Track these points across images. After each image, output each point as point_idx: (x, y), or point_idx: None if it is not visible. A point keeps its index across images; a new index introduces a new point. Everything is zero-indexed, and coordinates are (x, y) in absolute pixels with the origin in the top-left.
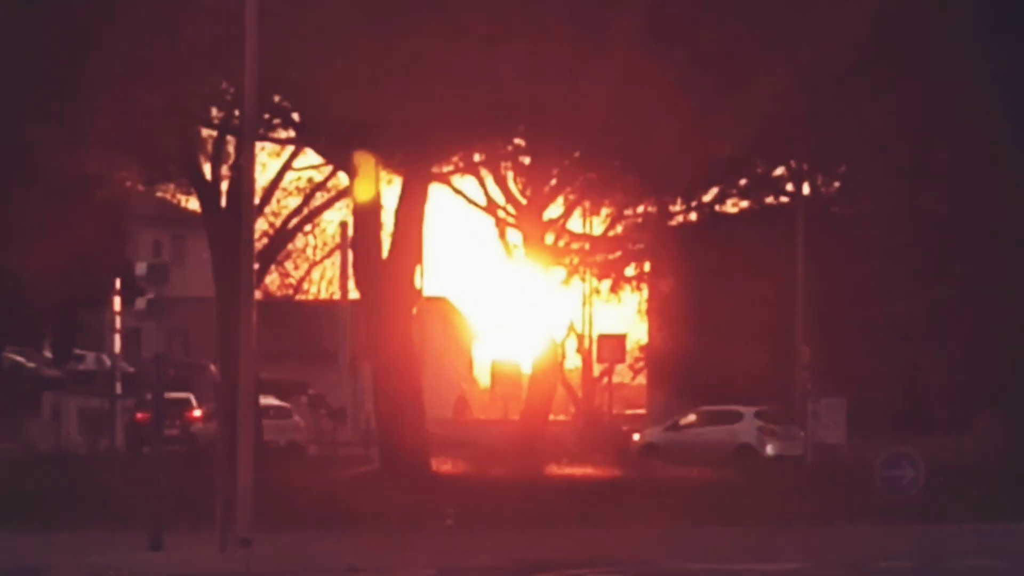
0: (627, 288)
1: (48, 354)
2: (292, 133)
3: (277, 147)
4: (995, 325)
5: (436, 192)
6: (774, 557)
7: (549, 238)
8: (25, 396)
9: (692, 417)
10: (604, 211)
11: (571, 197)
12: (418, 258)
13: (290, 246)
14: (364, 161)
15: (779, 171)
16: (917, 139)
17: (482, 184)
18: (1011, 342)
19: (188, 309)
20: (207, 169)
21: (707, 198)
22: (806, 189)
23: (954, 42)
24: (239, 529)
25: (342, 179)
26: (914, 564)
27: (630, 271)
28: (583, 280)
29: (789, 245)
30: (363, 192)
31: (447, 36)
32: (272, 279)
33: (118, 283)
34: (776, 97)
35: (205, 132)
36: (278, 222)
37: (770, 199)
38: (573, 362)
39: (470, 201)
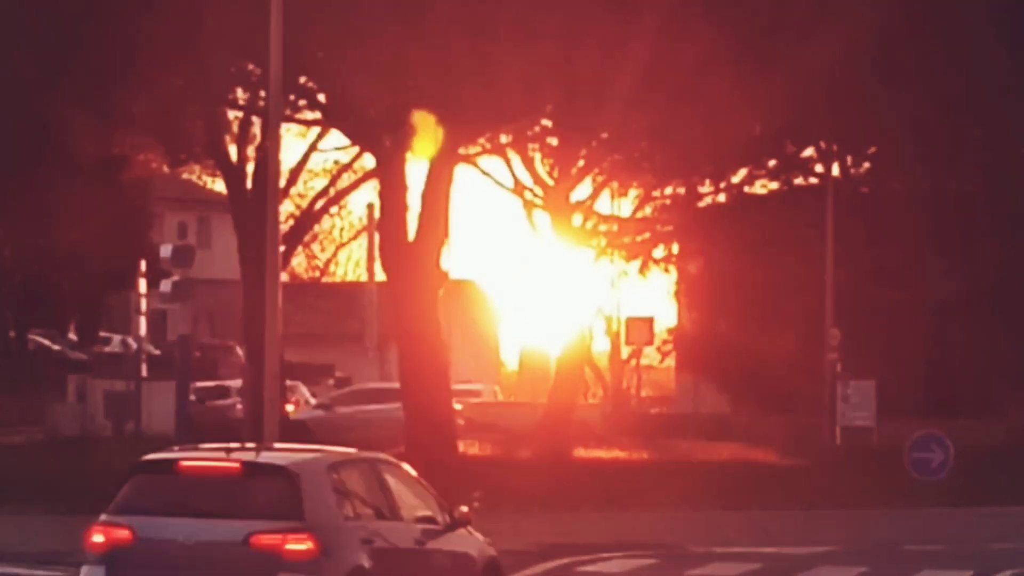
0: (655, 270)
1: (73, 337)
2: (318, 114)
3: (303, 128)
4: None
5: (463, 173)
6: (803, 541)
7: (576, 220)
8: (50, 379)
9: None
10: (632, 192)
11: (599, 178)
12: (444, 240)
13: (316, 228)
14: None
15: (808, 152)
16: (947, 119)
17: (509, 165)
18: None
19: (214, 291)
20: (233, 151)
21: (736, 179)
22: (836, 170)
23: (985, 21)
24: None
25: (368, 160)
26: (944, 547)
27: (658, 253)
28: (611, 262)
29: (818, 226)
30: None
31: (474, 17)
32: (299, 261)
33: (143, 265)
34: (806, 77)
35: (231, 114)
36: (304, 204)
37: (799, 180)
38: (601, 345)
39: (497, 182)
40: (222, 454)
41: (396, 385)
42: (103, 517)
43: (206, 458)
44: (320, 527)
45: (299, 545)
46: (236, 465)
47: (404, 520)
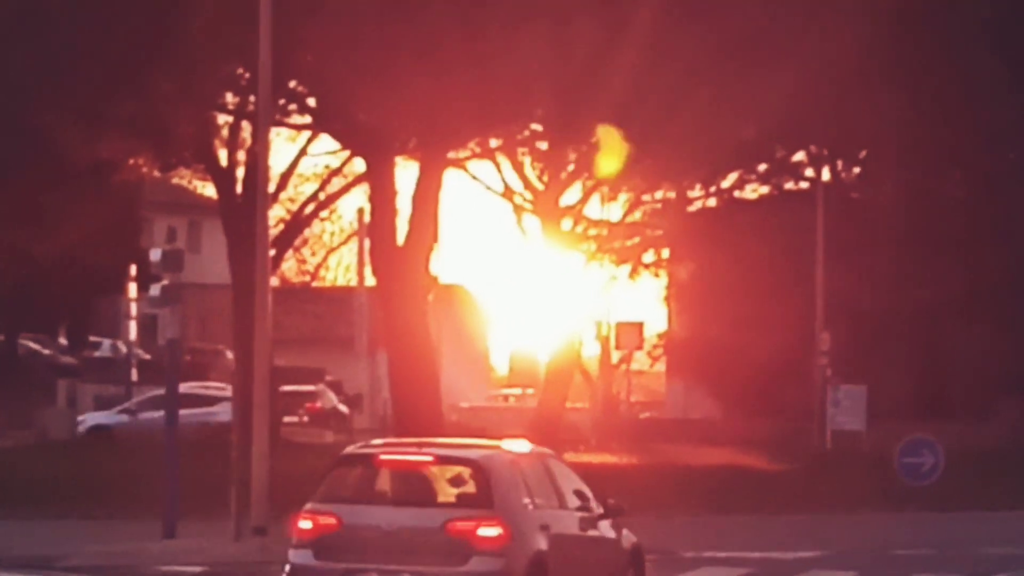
0: (645, 274)
1: (63, 341)
2: (308, 119)
3: (293, 133)
4: (1016, 311)
5: (453, 178)
6: (793, 545)
7: (566, 224)
8: (40, 383)
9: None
10: (622, 196)
11: (589, 182)
12: (434, 244)
13: (307, 232)
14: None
15: (799, 156)
16: (937, 124)
17: (499, 170)
18: None
19: (204, 296)
20: (223, 155)
21: (726, 183)
22: (826, 175)
23: (974, 27)
24: (254, 518)
25: (358, 165)
26: (934, 551)
27: (648, 257)
28: (601, 266)
29: (809, 231)
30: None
31: (464, 20)
32: (289, 266)
33: (133, 270)
34: (796, 82)
35: (221, 118)
36: (294, 208)
37: (790, 184)
38: (591, 349)
39: (487, 187)
40: (415, 448)
41: (209, 389)
42: (309, 505)
43: (402, 452)
44: (507, 515)
45: (490, 531)
46: (430, 459)
47: (568, 508)
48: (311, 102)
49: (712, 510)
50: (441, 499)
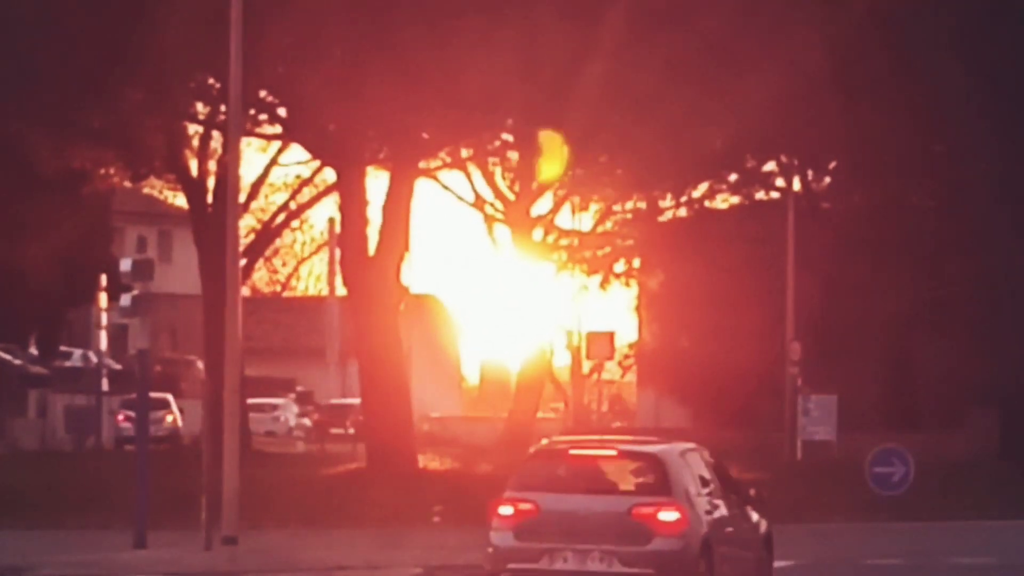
0: (616, 284)
1: (34, 351)
2: (278, 128)
3: (264, 143)
4: (986, 321)
5: (423, 187)
6: None
7: (537, 234)
8: (11, 393)
9: None
10: (593, 206)
11: (560, 192)
12: (405, 254)
13: (277, 242)
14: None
15: (769, 166)
16: (907, 134)
17: (470, 179)
18: (1002, 338)
19: (175, 306)
20: (193, 165)
21: (697, 193)
22: (796, 184)
23: (944, 38)
24: (225, 527)
25: (329, 174)
26: (904, 562)
27: (619, 267)
28: (572, 276)
29: (779, 241)
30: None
31: (434, 30)
32: (260, 275)
33: (104, 279)
34: (766, 92)
35: (191, 128)
36: (265, 218)
37: (760, 194)
38: (562, 359)
39: (458, 197)
40: (600, 444)
41: None
42: (508, 493)
43: (589, 446)
44: (683, 501)
45: (670, 515)
46: (615, 452)
47: (722, 496)
48: (281, 112)
49: None
50: (625, 488)
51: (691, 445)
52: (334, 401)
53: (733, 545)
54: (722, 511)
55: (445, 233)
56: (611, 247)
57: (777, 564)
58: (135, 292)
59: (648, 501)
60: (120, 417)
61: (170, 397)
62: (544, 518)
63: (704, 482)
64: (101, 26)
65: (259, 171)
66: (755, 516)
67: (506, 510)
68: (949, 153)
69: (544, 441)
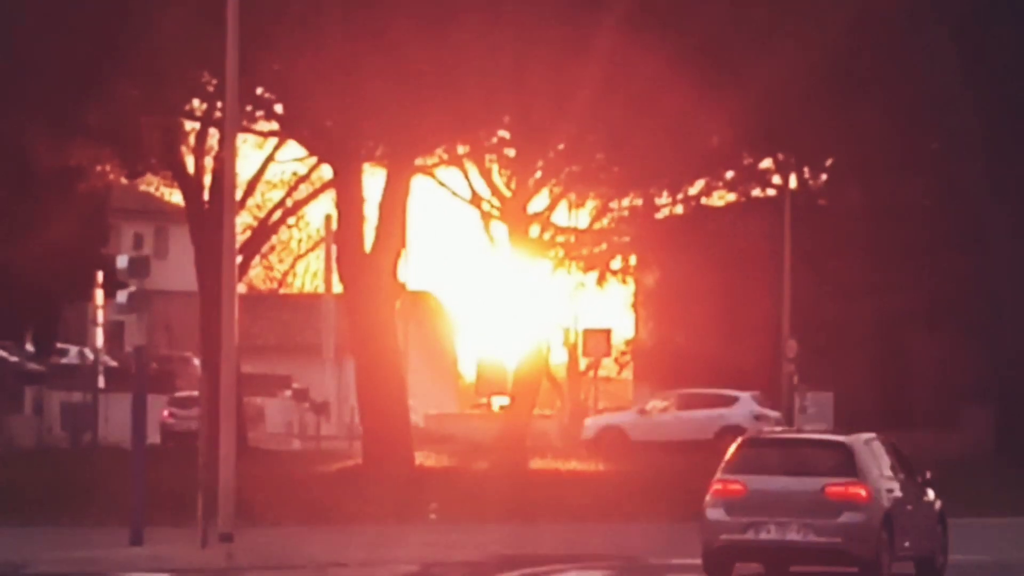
0: (613, 281)
1: (30, 347)
2: (275, 125)
3: (260, 139)
4: (982, 318)
5: (420, 184)
6: None
7: (534, 231)
8: (7, 390)
9: None
10: (590, 203)
11: (556, 189)
12: (401, 251)
13: (274, 239)
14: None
15: (766, 163)
16: (904, 132)
17: (466, 176)
18: (998, 335)
19: (171, 303)
20: (189, 162)
21: (693, 191)
22: (793, 182)
23: (940, 36)
24: (221, 524)
25: (325, 171)
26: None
27: (616, 264)
28: (568, 273)
29: (776, 238)
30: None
31: (431, 27)
32: (256, 272)
33: (100, 276)
34: (763, 90)
35: (187, 124)
36: (262, 215)
37: (757, 192)
38: (559, 356)
39: (454, 193)
40: (796, 433)
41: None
42: (719, 475)
43: (788, 437)
44: (868, 481)
45: (856, 493)
46: (810, 441)
47: (902, 478)
48: (278, 109)
49: (679, 517)
50: (818, 470)
51: (874, 435)
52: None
53: (911, 519)
54: (901, 490)
55: (442, 230)
56: (607, 244)
57: None
58: (131, 289)
59: (838, 481)
60: (165, 414)
61: None
62: (750, 496)
63: (886, 465)
64: (97, 22)
65: (255, 168)
66: (931, 495)
67: (718, 488)
68: (944, 151)
69: (751, 434)
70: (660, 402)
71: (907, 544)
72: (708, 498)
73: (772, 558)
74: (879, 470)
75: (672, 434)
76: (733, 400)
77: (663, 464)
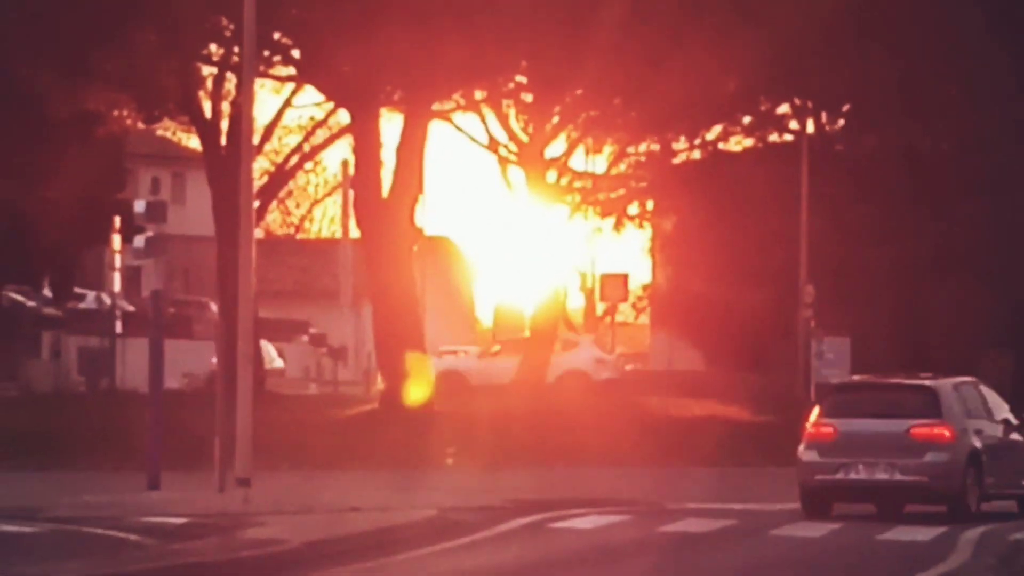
0: (630, 226)
1: (48, 293)
2: (292, 70)
3: (277, 84)
4: (1000, 264)
5: (437, 130)
6: (777, 497)
7: (551, 176)
8: (24, 336)
9: None
10: (607, 148)
11: (573, 135)
12: (419, 196)
13: (291, 184)
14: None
15: (783, 108)
16: (922, 76)
17: (483, 122)
18: (1016, 282)
19: (188, 247)
20: (207, 107)
21: (711, 136)
22: (810, 127)
23: None
24: (238, 469)
25: (343, 116)
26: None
27: (633, 209)
28: (586, 218)
29: (793, 184)
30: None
31: None
32: (273, 217)
33: (117, 221)
34: (781, 34)
35: (205, 69)
36: (279, 160)
37: (774, 137)
38: (576, 301)
39: (471, 139)
40: (882, 379)
41: None
42: (813, 419)
43: (876, 381)
44: (952, 422)
45: (940, 434)
46: (897, 385)
47: (994, 420)
48: (296, 54)
49: (696, 462)
50: (905, 413)
51: (967, 379)
52: None
53: (1002, 459)
54: (990, 432)
55: (459, 175)
56: (625, 189)
57: (789, 506)
58: (149, 234)
59: (923, 423)
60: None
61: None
62: (841, 439)
63: (974, 408)
64: None
65: (273, 113)
66: (1020, 437)
67: (812, 430)
68: (963, 96)
69: (842, 381)
70: (499, 347)
71: (997, 482)
72: (803, 441)
73: (861, 497)
74: (966, 412)
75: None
76: (573, 344)
77: (680, 410)
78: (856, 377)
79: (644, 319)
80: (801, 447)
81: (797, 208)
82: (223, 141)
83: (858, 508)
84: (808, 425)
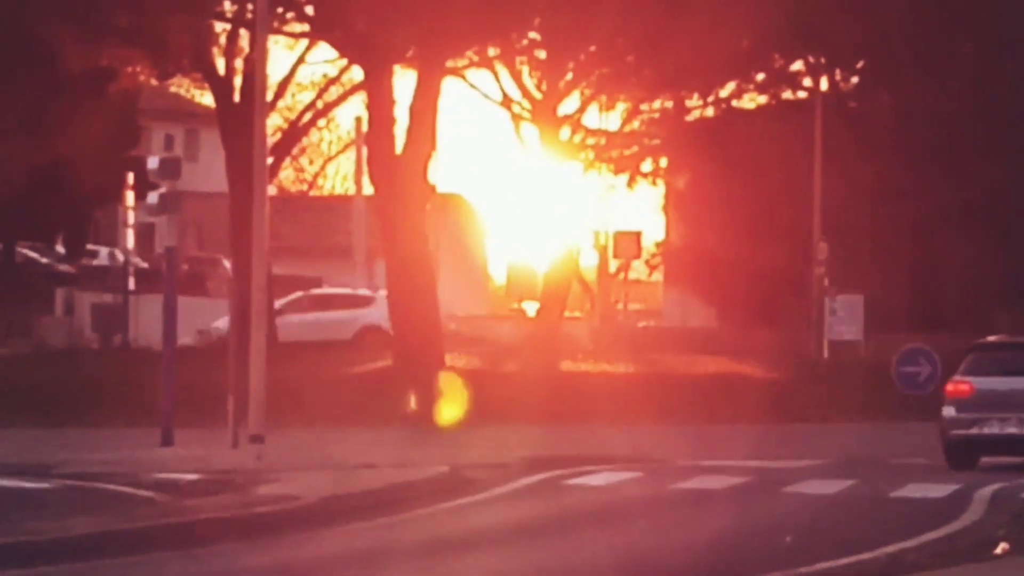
0: (643, 184)
1: (61, 249)
2: (306, 26)
3: (291, 41)
4: (1014, 222)
5: (451, 87)
6: (790, 454)
7: (564, 133)
8: (38, 292)
9: None
10: (620, 106)
11: (587, 92)
12: (432, 153)
13: (304, 141)
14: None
15: (797, 66)
16: (937, 33)
17: (497, 78)
18: None
19: (201, 204)
20: (220, 63)
21: (724, 93)
22: (824, 84)
23: None
24: (251, 426)
25: (356, 73)
26: (930, 461)
27: (646, 167)
28: (599, 176)
29: (806, 141)
30: (449, 414)
31: None
32: (287, 174)
33: (131, 178)
34: None
35: (218, 26)
36: (292, 117)
37: (788, 94)
38: (589, 259)
39: (485, 96)
40: (1017, 339)
41: None
42: (955, 377)
43: (1011, 341)
44: None
45: None
46: None
47: None
48: (309, 10)
49: (709, 419)
50: None
51: None
52: None
53: None
54: None
55: (472, 132)
56: (638, 146)
57: (806, 463)
58: (162, 190)
59: None
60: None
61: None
62: (976, 396)
63: None
64: None
65: (286, 69)
66: None
67: (950, 388)
68: (977, 53)
69: (980, 341)
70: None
71: None
72: (945, 398)
73: (996, 450)
74: None
75: (310, 335)
76: (370, 300)
77: (693, 368)
78: (992, 337)
79: (657, 276)
80: (944, 404)
81: (811, 165)
82: (237, 98)
83: (1006, 460)
84: (949, 382)
